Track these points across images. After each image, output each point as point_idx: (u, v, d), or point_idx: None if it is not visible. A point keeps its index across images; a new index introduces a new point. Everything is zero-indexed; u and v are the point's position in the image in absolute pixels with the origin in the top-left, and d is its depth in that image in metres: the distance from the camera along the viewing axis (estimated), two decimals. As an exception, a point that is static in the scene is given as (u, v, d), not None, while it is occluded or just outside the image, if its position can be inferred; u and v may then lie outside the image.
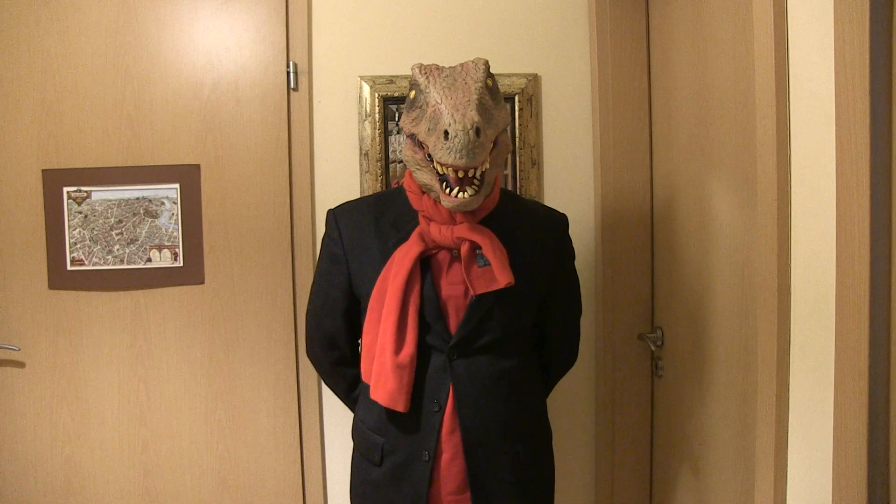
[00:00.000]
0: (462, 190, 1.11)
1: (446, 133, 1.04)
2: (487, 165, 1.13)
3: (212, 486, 1.89)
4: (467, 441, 1.22)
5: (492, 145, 1.14)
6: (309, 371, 1.88)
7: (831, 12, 0.95)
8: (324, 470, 1.91)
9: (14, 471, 1.87)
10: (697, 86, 1.51)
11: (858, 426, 0.92)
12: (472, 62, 1.18)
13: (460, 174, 1.10)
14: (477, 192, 1.12)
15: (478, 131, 1.04)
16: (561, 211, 1.41)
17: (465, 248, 1.20)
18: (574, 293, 1.44)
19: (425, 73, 1.16)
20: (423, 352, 1.23)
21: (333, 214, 1.35)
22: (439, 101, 1.09)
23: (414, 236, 1.22)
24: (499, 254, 1.18)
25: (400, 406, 1.20)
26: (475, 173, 1.11)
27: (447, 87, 1.12)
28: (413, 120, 1.17)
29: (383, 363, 1.20)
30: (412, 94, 1.20)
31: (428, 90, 1.13)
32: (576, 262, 1.44)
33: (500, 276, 1.17)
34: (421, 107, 1.15)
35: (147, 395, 1.87)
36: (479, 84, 1.13)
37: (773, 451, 1.13)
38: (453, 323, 1.24)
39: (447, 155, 1.04)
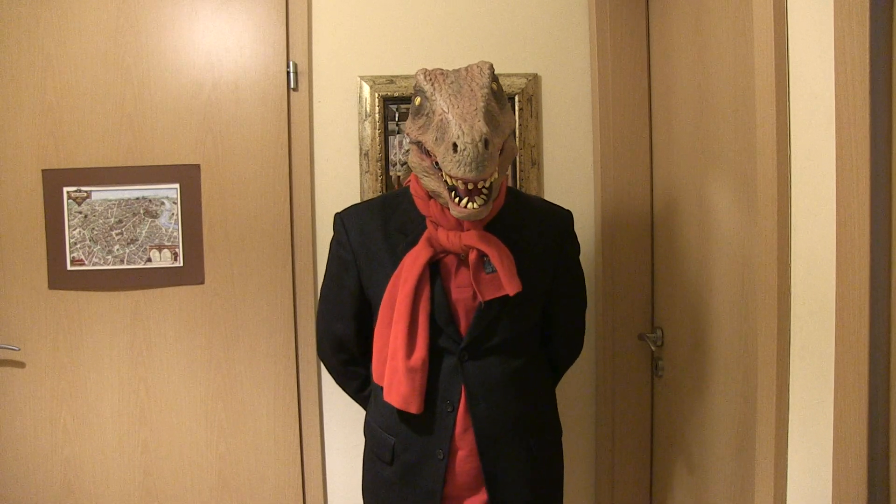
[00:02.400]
0: (471, 200, 1.11)
1: (455, 145, 1.03)
2: (496, 175, 1.13)
3: (212, 486, 1.89)
4: (481, 439, 1.25)
5: (500, 153, 1.13)
6: (309, 371, 1.88)
7: (831, 12, 0.95)
8: (324, 470, 1.91)
9: (14, 471, 1.87)
10: (697, 86, 1.51)
11: (858, 426, 0.92)
12: (478, 66, 1.16)
13: (469, 185, 1.09)
14: (486, 201, 1.11)
15: (486, 143, 1.03)
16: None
17: (473, 256, 1.21)
18: (578, 286, 1.45)
19: (430, 79, 1.15)
20: (436, 354, 1.25)
21: (341, 218, 1.35)
22: (446, 111, 1.08)
23: (422, 241, 1.23)
24: (506, 262, 1.19)
25: (413, 408, 1.22)
26: (485, 183, 1.11)
27: (453, 94, 1.11)
28: (420, 128, 1.16)
29: (395, 367, 1.22)
30: (417, 100, 1.19)
31: (434, 98, 1.12)
32: (576, 262, 1.45)
33: (508, 286, 1.19)
34: (427, 115, 1.14)
35: (147, 395, 1.87)
36: (486, 90, 1.12)
37: (773, 451, 1.12)
38: (463, 325, 1.25)
39: (457, 168, 1.03)
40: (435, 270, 1.24)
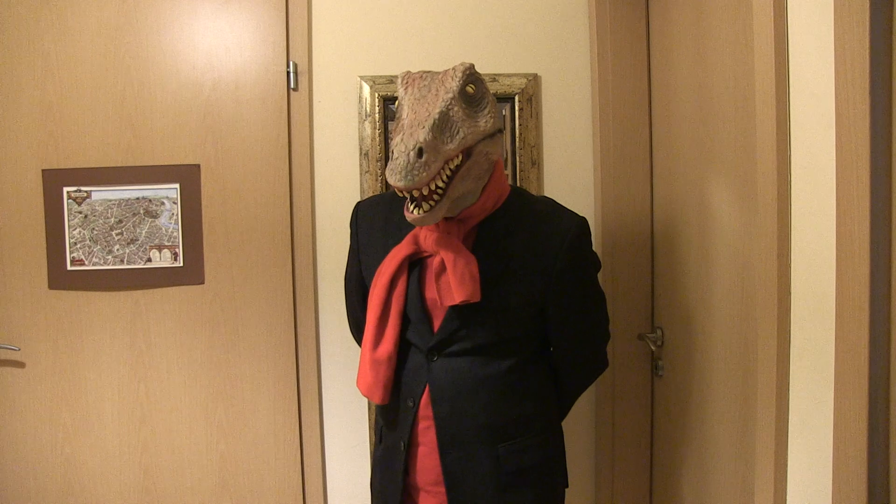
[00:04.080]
0: (418, 206, 1.10)
1: (393, 152, 1.04)
2: (441, 183, 1.10)
3: (212, 486, 1.89)
4: (442, 438, 1.24)
5: (452, 160, 1.11)
6: (309, 371, 1.88)
7: (831, 12, 0.95)
8: (324, 470, 1.91)
9: (14, 471, 1.87)
10: (697, 86, 1.51)
11: (858, 426, 0.92)
12: (453, 69, 1.15)
13: (405, 193, 1.09)
14: (432, 208, 1.10)
15: (420, 152, 1.02)
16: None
17: (436, 260, 1.20)
18: (585, 306, 1.32)
19: (404, 83, 1.16)
20: (406, 348, 1.28)
21: (356, 208, 1.41)
22: (404, 117, 1.10)
23: (407, 238, 1.25)
24: (461, 269, 1.16)
25: (376, 399, 1.25)
26: (426, 191, 1.08)
27: (417, 99, 1.11)
28: (393, 131, 1.17)
29: (364, 357, 1.26)
30: (396, 103, 1.21)
31: (402, 102, 1.14)
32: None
33: (457, 293, 1.16)
34: (398, 118, 1.15)
35: (147, 395, 1.87)
36: (450, 94, 1.11)
37: (773, 451, 1.13)
38: (437, 325, 1.25)
39: (390, 176, 1.04)
40: (417, 268, 1.26)
